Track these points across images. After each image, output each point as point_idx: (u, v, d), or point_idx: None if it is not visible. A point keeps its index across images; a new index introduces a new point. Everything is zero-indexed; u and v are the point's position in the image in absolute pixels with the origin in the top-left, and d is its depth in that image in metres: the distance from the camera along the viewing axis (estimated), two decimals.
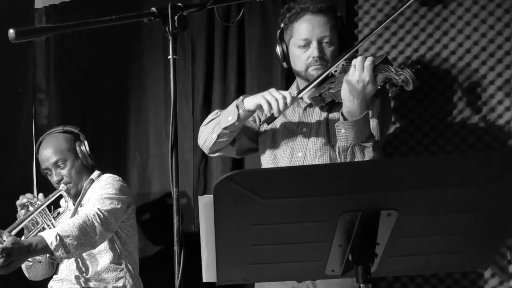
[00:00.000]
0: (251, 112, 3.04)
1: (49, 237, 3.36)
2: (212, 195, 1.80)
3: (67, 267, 3.87)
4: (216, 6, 2.79)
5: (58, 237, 3.35)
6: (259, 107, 2.94)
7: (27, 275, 3.96)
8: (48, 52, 5.03)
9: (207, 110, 4.31)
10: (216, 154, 3.36)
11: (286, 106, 2.89)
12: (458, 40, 3.59)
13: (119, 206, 3.77)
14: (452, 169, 1.77)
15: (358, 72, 2.81)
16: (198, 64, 4.38)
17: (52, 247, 3.34)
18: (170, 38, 2.32)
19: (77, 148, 4.00)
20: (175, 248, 2.22)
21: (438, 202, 1.85)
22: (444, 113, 3.60)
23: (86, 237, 3.49)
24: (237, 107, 3.05)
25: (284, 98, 2.88)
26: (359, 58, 2.84)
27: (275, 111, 2.88)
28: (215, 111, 3.32)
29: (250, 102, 3.00)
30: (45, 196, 3.88)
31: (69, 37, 4.74)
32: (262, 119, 3.28)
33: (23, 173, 4.95)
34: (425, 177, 1.78)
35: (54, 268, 4.02)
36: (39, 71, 5.06)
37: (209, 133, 3.23)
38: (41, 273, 3.99)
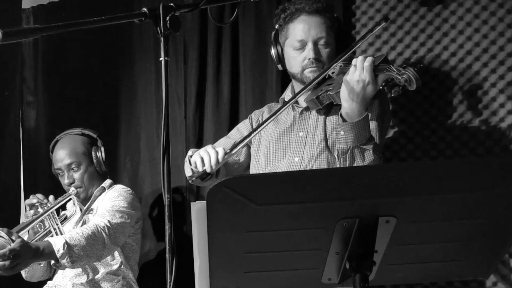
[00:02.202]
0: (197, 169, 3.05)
1: (57, 244, 3.37)
2: (205, 201, 1.80)
3: (63, 273, 3.89)
4: (209, 6, 2.78)
5: (66, 246, 3.37)
6: (195, 164, 2.99)
7: (23, 275, 3.97)
8: (36, 53, 5.02)
9: (200, 114, 4.31)
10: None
11: (218, 162, 2.92)
12: (458, 41, 3.59)
13: (128, 220, 3.82)
14: (452, 174, 1.77)
15: (358, 72, 2.81)
16: (191, 66, 4.37)
17: (58, 255, 3.35)
18: (162, 39, 2.31)
19: (93, 153, 4.08)
20: (167, 256, 2.21)
21: (438, 208, 1.85)
22: (444, 116, 3.60)
23: (92, 248, 3.52)
24: (189, 162, 3.11)
25: (217, 153, 2.92)
26: (359, 58, 2.84)
27: (206, 166, 2.92)
28: (190, 151, 3.33)
29: (192, 159, 3.05)
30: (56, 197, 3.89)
31: (58, 38, 4.73)
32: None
33: (11, 178, 4.93)
34: (425, 183, 1.78)
35: (51, 272, 4.06)
36: (27, 73, 5.05)
37: (185, 172, 3.30)
38: (38, 275, 4.02)
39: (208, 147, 2.98)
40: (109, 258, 3.85)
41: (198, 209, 2.05)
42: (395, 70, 2.83)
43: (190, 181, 3.22)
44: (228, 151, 2.99)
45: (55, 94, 4.96)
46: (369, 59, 2.83)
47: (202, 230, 1.91)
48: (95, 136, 4.14)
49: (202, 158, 2.95)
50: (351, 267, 1.94)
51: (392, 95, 2.98)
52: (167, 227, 2.22)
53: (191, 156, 3.08)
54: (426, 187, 1.78)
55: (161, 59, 2.31)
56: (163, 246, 4.34)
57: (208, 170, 2.93)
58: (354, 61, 2.86)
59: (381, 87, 2.89)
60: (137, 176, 4.64)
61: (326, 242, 1.91)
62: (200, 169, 2.95)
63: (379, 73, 2.85)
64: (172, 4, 2.36)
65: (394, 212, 1.84)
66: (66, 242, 3.38)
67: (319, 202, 1.81)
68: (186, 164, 3.18)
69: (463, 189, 1.79)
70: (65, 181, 4.02)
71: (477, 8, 3.54)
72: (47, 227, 3.81)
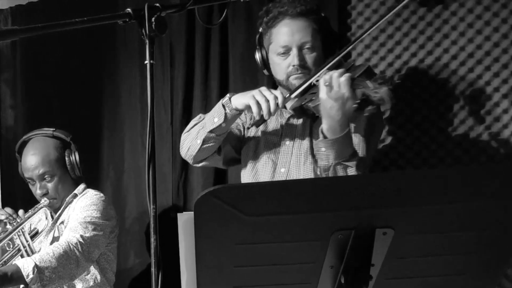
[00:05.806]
0: (239, 112, 3.00)
1: (26, 268, 3.32)
2: (192, 212, 1.80)
3: None
4: (196, 6, 2.78)
5: (35, 270, 3.32)
6: (248, 107, 2.91)
7: None
8: (14, 56, 5.02)
9: (187, 120, 4.29)
10: (201, 164, 3.32)
11: (277, 107, 2.86)
12: (460, 43, 3.60)
13: (101, 233, 3.73)
14: (453, 183, 1.78)
15: (336, 89, 2.78)
16: (178, 69, 4.37)
17: (28, 280, 3.31)
18: (147, 41, 2.31)
19: (66, 158, 3.93)
20: (153, 270, 2.21)
21: (438, 219, 1.85)
22: (445, 123, 3.60)
23: (65, 269, 3.46)
24: (224, 106, 3.02)
25: (276, 98, 2.86)
26: (335, 74, 2.79)
27: (265, 113, 2.86)
28: (198, 116, 3.29)
29: (238, 100, 2.97)
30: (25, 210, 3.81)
31: (38, 40, 4.72)
32: (249, 122, 3.25)
33: None
34: (424, 193, 1.78)
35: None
36: (5, 78, 5.04)
37: (193, 139, 3.19)
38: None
39: (263, 89, 2.91)
40: (83, 275, 3.76)
41: (185, 221, 2.05)
42: (370, 86, 2.81)
43: (214, 133, 3.10)
44: (287, 95, 2.95)
45: (34, 99, 4.96)
46: (346, 75, 2.77)
47: (190, 242, 1.91)
48: (68, 139, 3.98)
49: (258, 102, 2.88)
50: (347, 281, 1.94)
51: (365, 114, 2.98)
52: (152, 239, 2.22)
53: (230, 99, 3.01)
54: (425, 197, 1.79)
55: (146, 62, 2.30)
56: (148, 259, 4.33)
57: (266, 117, 2.88)
58: (328, 76, 2.81)
59: (358, 102, 2.87)
60: (121, 186, 4.63)
61: (320, 255, 1.92)
62: (257, 115, 2.89)
63: (355, 88, 2.83)
64: (158, 5, 2.36)
65: (391, 224, 1.85)
66: (36, 265, 3.33)
67: (312, 213, 1.81)
68: (217, 109, 3.06)
69: (464, 199, 1.80)
70: (37, 191, 3.89)
71: (479, 8, 3.55)
72: (16, 244, 3.76)
